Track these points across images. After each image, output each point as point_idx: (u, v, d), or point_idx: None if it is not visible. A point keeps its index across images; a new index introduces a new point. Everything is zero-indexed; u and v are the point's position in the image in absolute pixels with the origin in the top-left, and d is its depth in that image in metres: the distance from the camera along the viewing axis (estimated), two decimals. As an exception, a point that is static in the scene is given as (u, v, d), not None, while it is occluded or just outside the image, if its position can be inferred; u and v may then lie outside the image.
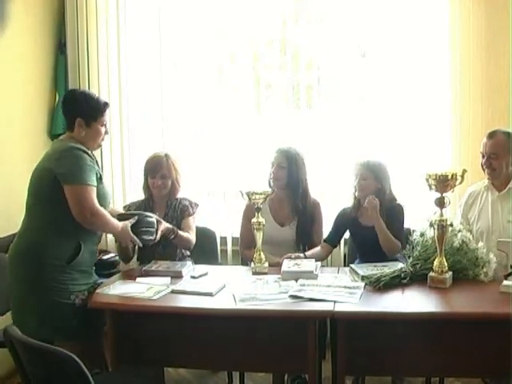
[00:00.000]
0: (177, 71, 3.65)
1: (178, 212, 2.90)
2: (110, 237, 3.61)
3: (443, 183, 2.27)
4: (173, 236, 2.71)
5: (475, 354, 2.07)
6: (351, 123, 3.55)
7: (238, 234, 3.09)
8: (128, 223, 2.43)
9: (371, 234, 2.70)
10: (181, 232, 2.78)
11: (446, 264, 2.28)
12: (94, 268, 2.44)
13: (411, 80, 3.42)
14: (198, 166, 3.69)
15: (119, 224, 2.40)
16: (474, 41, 3.18)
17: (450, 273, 2.30)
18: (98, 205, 2.25)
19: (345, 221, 2.87)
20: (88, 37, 3.52)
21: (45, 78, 3.55)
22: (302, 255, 2.70)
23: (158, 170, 2.82)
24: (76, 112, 2.33)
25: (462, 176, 2.28)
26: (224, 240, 3.53)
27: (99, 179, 2.32)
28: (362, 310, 2.12)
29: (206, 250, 3.03)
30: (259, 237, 2.63)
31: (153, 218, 2.58)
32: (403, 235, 2.70)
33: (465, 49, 3.20)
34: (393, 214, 2.75)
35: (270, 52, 3.61)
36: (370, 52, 3.53)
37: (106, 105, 2.40)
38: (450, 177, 2.27)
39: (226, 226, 3.52)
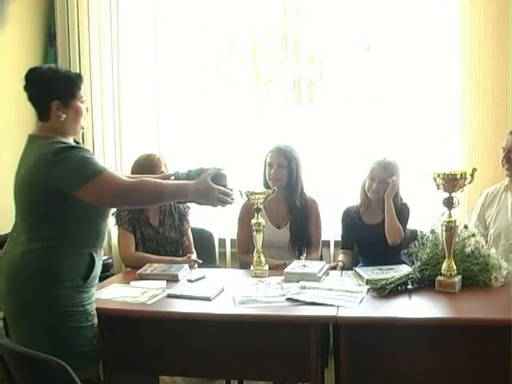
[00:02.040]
0: (173, 65, 3.65)
1: (177, 219, 2.92)
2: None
3: (452, 183, 2.27)
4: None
5: (486, 361, 2.06)
6: (355, 120, 3.56)
7: (236, 236, 3.09)
8: (208, 176, 2.05)
9: (374, 232, 2.75)
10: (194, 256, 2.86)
11: (454, 267, 2.28)
12: None
13: (419, 75, 3.43)
14: (195, 164, 3.67)
15: (183, 182, 2.08)
16: (485, 34, 3.17)
17: (459, 277, 2.30)
18: (128, 180, 2.01)
19: (350, 219, 2.92)
20: (79, 28, 3.51)
21: (33, 71, 3.54)
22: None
23: (156, 167, 2.82)
24: (49, 94, 2.01)
25: (472, 175, 2.27)
26: (222, 242, 3.53)
27: None
28: (367, 315, 2.11)
29: (203, 252, 3.03)
30: (259, 238, 2.63)
31: (224, 170, 2.17)
32: (405, 232, 2.80)
33: (475, 43, 3.20)
34: (397, 212, 2.81)
35: (269, 45, 3.61)
36: (376, 45, 3.54)
37: (79, 76, 2.10)
38: (458, 176, 2.26)
39: (225, 228, 3.52)
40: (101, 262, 2.15)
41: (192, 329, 2.23)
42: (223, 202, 2.08)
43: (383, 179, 2.80)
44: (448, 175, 2.27)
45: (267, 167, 2.94)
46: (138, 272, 2.58)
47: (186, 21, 3.61)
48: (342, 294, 2.26)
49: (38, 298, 1.95)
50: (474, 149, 3.24)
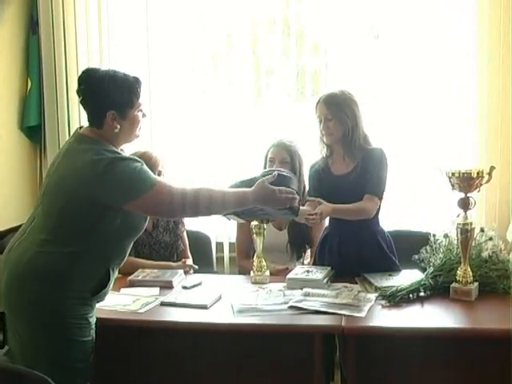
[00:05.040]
0: (166, 55, 3.65)
1: (171, 222, 2.93)
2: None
3: (467, 182, 2.28)
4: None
5: (505, 375, 2.06)
6: (362, 114, 3.55)
7: (234, 240, 3.11)
8: (264, 181, 2.10)
9: (343, 183, 2.61)
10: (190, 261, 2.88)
11: (471, 273, 2.29)
12: None
13: (431, 65, 3.43)
14: (191, 162, 3.69)
15: (240, 189, 2.10)
16: (505, 19, 3.15)
17: (476, 283, 2.31)
18: (178, 190, 2.00)
19: (316, 171, 2.74)
20: (64, 14, 3.51)
21: (14, 62, 3.54)
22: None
23: (155, 165, 2.84)
24: (105, 103, 2.01)
25: (490, 174, 2.28)
26: (220, 246, 3.54)
27: None
28: (375, 324, 2.12)
29: (199, 257, 3.04)
30: (259, 242, 2.64)
31: (290, 174, 2.25)
32: (381, 185, 2.60)
33: (494, 29, 3.18)
34: (367, 158, 2.61)
35: (271, 34, 3.62)
36: (385, 33, 3.54)
37: (138, 81, 2.08)
38: (475, 175, 2.27)
39: (222, 231, 3.53)
40: (114, 280, 2.15)
41: (187, 339, 2.24)
42: (289, 202, 2.12)
43: (329, 116, 2.58)
44: (463, 174, 2.27)
45: (268, 163, 2.94)
46: (129, 278, 2.59)
47: (180, 8, 3.61)
48: (348, 301, 2.27)
49: (43, 302, 1.96)
50: (492, 145, 3.25)
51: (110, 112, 2.01)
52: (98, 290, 2.04)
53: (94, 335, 2.07)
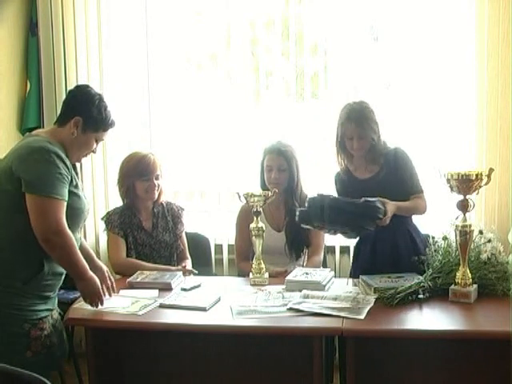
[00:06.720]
0: (165, 57, 3.66)
1: (170, 222, 2.94)
2: (90, 241, 3.60)
3: (466, 184, 2.28)
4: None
5: (504, 377, 2.08)
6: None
7: (234, 242, 3.12)
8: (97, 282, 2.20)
9: (369, 186, 2.66)
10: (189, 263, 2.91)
11: (470, 275, 2.30)
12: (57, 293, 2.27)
13: (430, 67, 3.44)
14: (190, 164, 3.71)
15: (89, 271, 2.17)
16: (505, 20, 3.14)
17: (475, 286, 2.32)
18: (66, 224, 2.06)
19: (342, 180, 2.81)
20: (63, 15, 3.51)
21: (13, 63, 3.54)
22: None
23: (152, 171, 2.86)
24: (80, 109, 2.20)
25: (489, 176, 2.29)
26: (219, 248, 3.54)
27: (75, 187, 2.15)
28: (375, 326, 2.13)
29: (198, 258, 3.05)
30: (259, 244, 2.65)
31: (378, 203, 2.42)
32: (418, 181, 2.73)
33: (493, 30, 3.17)
34: (391, 160, 2.71)
35: (270, 36, 3.62)
36: (385, 35, 3.55)
37: (112, 124, 2.29)
38: (474, 177, 2.28)
39: (221, 232, 3.53)
40: (59, 279, 2.17)
41: (186, 341, 2.25)
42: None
43: (362, 136, 2.65)
44: (462, 176, 2.28)
45: (266, 170, 2.95)
46: (128, 280, 2.60)
47: (179, 9, 3.62)
48: (348, 304, 2.28)
49: None
50: (492, 147, 3.24)
51: (79, 118, 2.18)
52: (28, 279, 2.06)
53: (34, 332, 2.07)
